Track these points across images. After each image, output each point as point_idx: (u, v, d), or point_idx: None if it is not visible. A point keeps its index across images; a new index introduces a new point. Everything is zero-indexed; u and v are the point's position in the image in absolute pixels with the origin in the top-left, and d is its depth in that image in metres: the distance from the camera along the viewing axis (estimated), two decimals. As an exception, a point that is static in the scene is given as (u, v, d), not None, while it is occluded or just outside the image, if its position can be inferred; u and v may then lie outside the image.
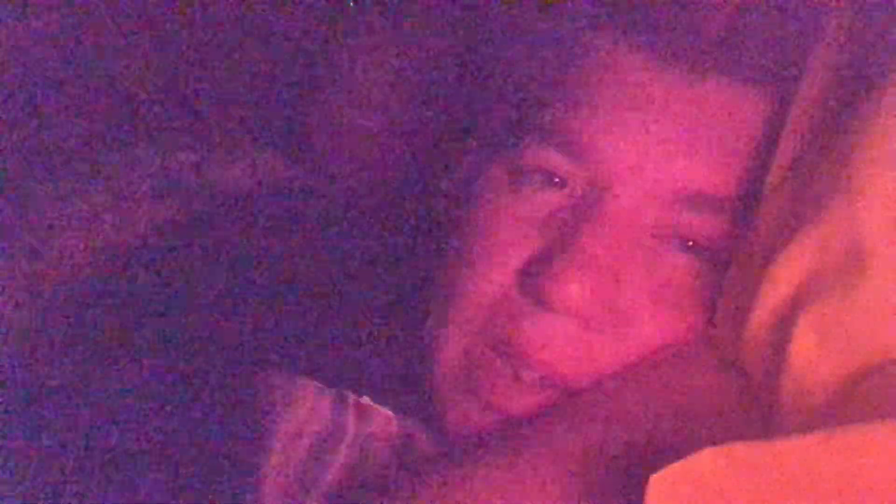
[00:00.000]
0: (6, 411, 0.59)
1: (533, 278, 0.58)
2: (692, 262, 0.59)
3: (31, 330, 0.64)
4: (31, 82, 0.78)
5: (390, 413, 0.61)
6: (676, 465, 0.42)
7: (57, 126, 0.76)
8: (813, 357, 0.49)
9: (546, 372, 0.58)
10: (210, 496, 0.56)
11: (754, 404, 0.52)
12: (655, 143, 0.58)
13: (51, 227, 0.69)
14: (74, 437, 0.58)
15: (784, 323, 0.50)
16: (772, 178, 0.55)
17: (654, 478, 0.42)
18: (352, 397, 0.60)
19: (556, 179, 0.60)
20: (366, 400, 0.60)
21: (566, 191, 0.60)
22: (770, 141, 0.57)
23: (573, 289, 0.57)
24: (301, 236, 0.67)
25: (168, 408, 0.58)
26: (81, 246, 0.67)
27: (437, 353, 0.61)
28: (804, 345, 0.49)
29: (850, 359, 0.47)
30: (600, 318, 0.58)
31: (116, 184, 0.71)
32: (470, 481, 0.53)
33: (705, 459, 0.42)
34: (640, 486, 0.43)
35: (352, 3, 0.83)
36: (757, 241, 0.55)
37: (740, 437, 0.44)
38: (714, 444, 0.44)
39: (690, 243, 0.59)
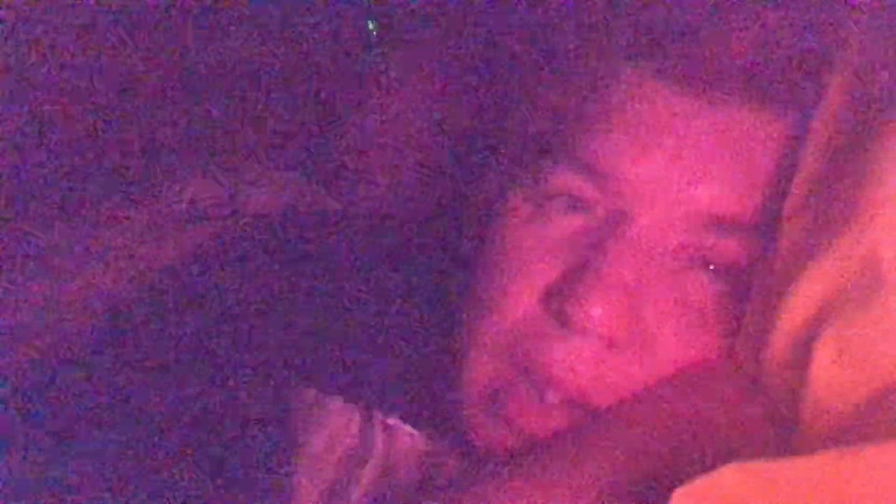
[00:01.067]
0: (41, 435, 0.60)
1: (557, 300, 0.59)
2: (714, 284, 0.60)
3: (68, 353, 0.65)
4: (64, 111, 0.79)
5: (417, 433, 0.62)
6: (699, 481, 0.43)
7: (89, 154, 0.78)
8: (833, 377, 0.49)
9: (570, 393, 0.59)
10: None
11: (776, 423, 0.52)
12: (677, 168, 0.59)
13: (84, 254, 0.70)
14: (108, 453, 0.59)
15: (804, 343, 0.51)
16: (791, 202, 0.56)
17: (677, 493, 0.43)
18: (379, 417, 0.61)
19: (579, 203, 0.61)
20: (393, 419, 0.61)
21: (589, 214, 0.61)
22: (790, 165, 0.58)
23: (597, 310, 0.57)
24: (329, 259, 0.68)
25: (201, 425, 0.59)
26: (115, 272, 0.68)
27: (462, 374, 0.62)
28: (824, 365, 0.49)
29: (869, 378, 0.48)
30: (624, 340, 0.59)
31: (148, 211, 0.73)
32: (492, 498, 0.54)
33: (728, 475, 0.43)
34: (664, 502, 0.44)
35: (375, 32, 0.84)
36: (777, 264, 0.55)
37: (763, 455, 0.45)
38: (738, 461, 0.44)
39: (712, 266, 0.60)
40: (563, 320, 0.59)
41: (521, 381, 0.60)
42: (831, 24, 0.59)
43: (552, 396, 0.59)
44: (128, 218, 0.71)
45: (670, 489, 0.44)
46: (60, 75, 0.77)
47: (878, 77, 0.54)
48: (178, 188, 0.73)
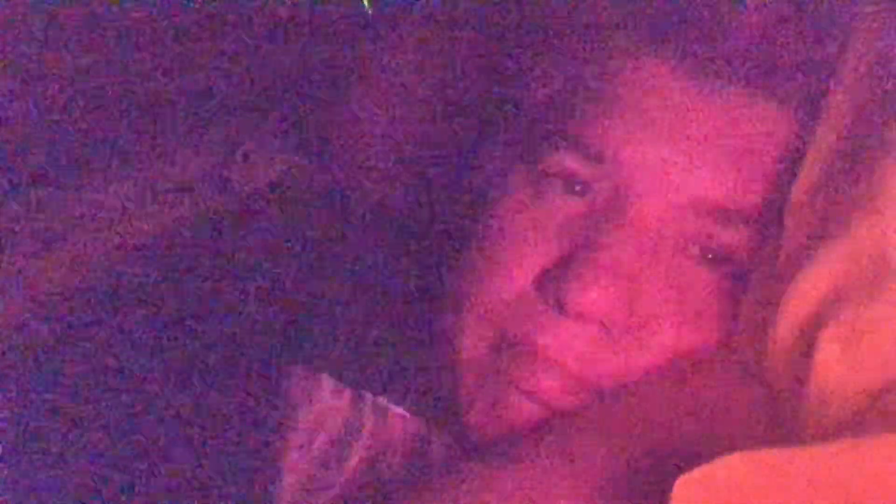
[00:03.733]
0: (27, 410, 0.59)
1: (552, 284, 0.58)
2: (712, 273, 0.59)
3: (55, 324, 0.64)
4: (56, 78, 0.78)
5: (407, 413, 0.61)
6: (703, 468, 0.42)
7: (80, 122, 0.77)
8: (837, 369, 0.49)
9: (563, 376, 0.58)
10: (229, 490, 0.56)
11: (777, 413, 0.52)
12: (679, 154, 0.59)
13: (73, 223, 0.69)
14: (95, 432, 0.58)
15: (808, 335, 0.50)
16: (798, 193, 0.55)
17: (681, 480, 0.42)
18: (369, 396, 0.60)
19: (578, 185, 0.60)
20: (383, 400, 0.61)
21: (588, 197, 0.60)
22: (795, 156, 0.57)
23: (592, 295, 0.57)
24: (323, 235, 0.67)
25: (189, 403, 0.58)
26: (105, 242, 0.67)
27: (455, 351, 0.61)
28: (828, 357, 0.49)
29: (874, 371, 0.48)
30: (619, 325, 0.58)
31: (140, 180, 0.71)
32: (490, 486, 0.53)
33: (733, 464, 0.42)
34: (663, 492, 0.43)
35: (370, 10, 0.83)
36: (781, 255, 0.55)
37: (763, 444, 0.44)
38: (737, 450, 0.44)
39: (710, 255, 0.59)
40: (557, 304, 0.58)
41: (514, 360, 0.59)
42: (841, 16, 0.58)
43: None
44: (117, 187, 0.70)
45: (668, 477, 0.43)
46: (60, 47, 0.76)
47: (890, 71, 0.54)
48: (168, 159, 0.72)
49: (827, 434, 0.48)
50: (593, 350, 0.58)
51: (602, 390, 0.58)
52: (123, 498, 0.55)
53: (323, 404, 0.59)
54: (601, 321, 0.58)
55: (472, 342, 0.60)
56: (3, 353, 0.61)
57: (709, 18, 0.60)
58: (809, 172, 0.55)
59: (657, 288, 0.59)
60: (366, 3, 0.84)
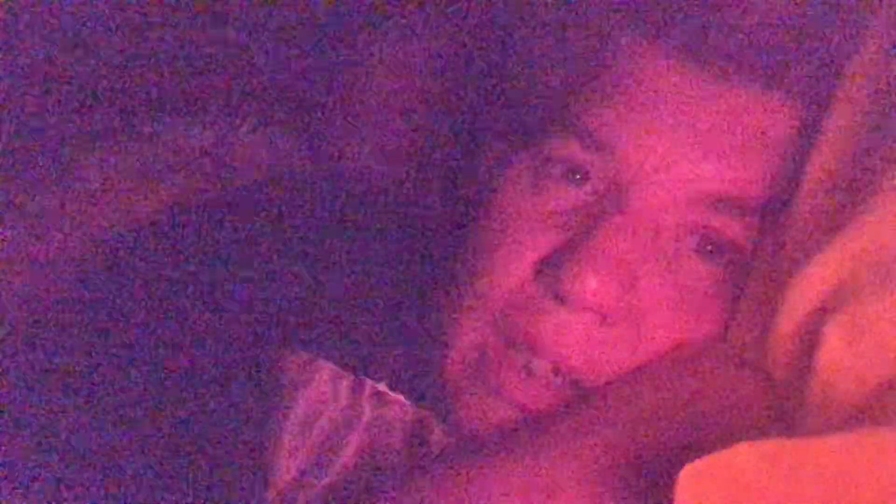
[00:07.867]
0: (16, 394, 0.58)
1: (551, 273, 0.58)
2: (712, 264, 0.59)
3: (45, 306, 0.64)
4: (51, 55, 0.77)
5: (406, 401, 0.61)
6: (710, 458, 0.42)
7: (75, 98, 0.76)
8: (843, 361, 0.49)
9: (559, 366, 0.58)
10: (225, 474, 0.56)
11: (778, 404, 0.52)
12: (681, 144, 0.58)
13: (65, 201, 0.68)
14: (88, 415, 0.57)
15: (813, 328, 0.50)
16: (807, 185, 0.55)
17: (687, 469, 0.42)
18: (369, 383, 0.60)
19: (579, 175, 0.60)
20: (382, 387, 0.60)
21: (588, 187, 0.60)
22: (800, 149, 0.57)
23: (591, 285, 0.56)
24: (322, 219, 0.67)
25: (186, 386, 0.57)
26: (97, 221, 0.67)
27: (451, 342, 0.61)
28: (833, 350, 0.49)
29: (881, 364, 0.47)
30: (617, 316, 0.58)
31: (133, 160, 0.71)
32: (488, 478, 0.53)
33: (740, 453, 0.42)
34: (661, 485, 0.43)
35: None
36: (787, 247, 0.55)
37: (764, 435, 0.44)
38: (738, 441, 0.44)
39: (710, 246, 0.59)
40: (556, 293, 0.58)
41: (509, 350, 0.59)
42: (850, 14, 0.58)
43: (539, 367, 0.59)
44: (109, 163, 0.69)
45: (671, 468, 0.43)
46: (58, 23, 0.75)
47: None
48: (164, 135, 0.71)
49: (831, 426, 0.48)
50: (589, 340, 0.58)
51: (591, 388, 0.58)
52: (115, 479, 0.55)
53: (321, 390, 0.59)
54: (599, 311, 0.58)
55: (466, 332, 0.60)
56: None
57: (716, 10, 0.59)
58: (819, 164, 0.55)
59: (656, 278, 0.59)
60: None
